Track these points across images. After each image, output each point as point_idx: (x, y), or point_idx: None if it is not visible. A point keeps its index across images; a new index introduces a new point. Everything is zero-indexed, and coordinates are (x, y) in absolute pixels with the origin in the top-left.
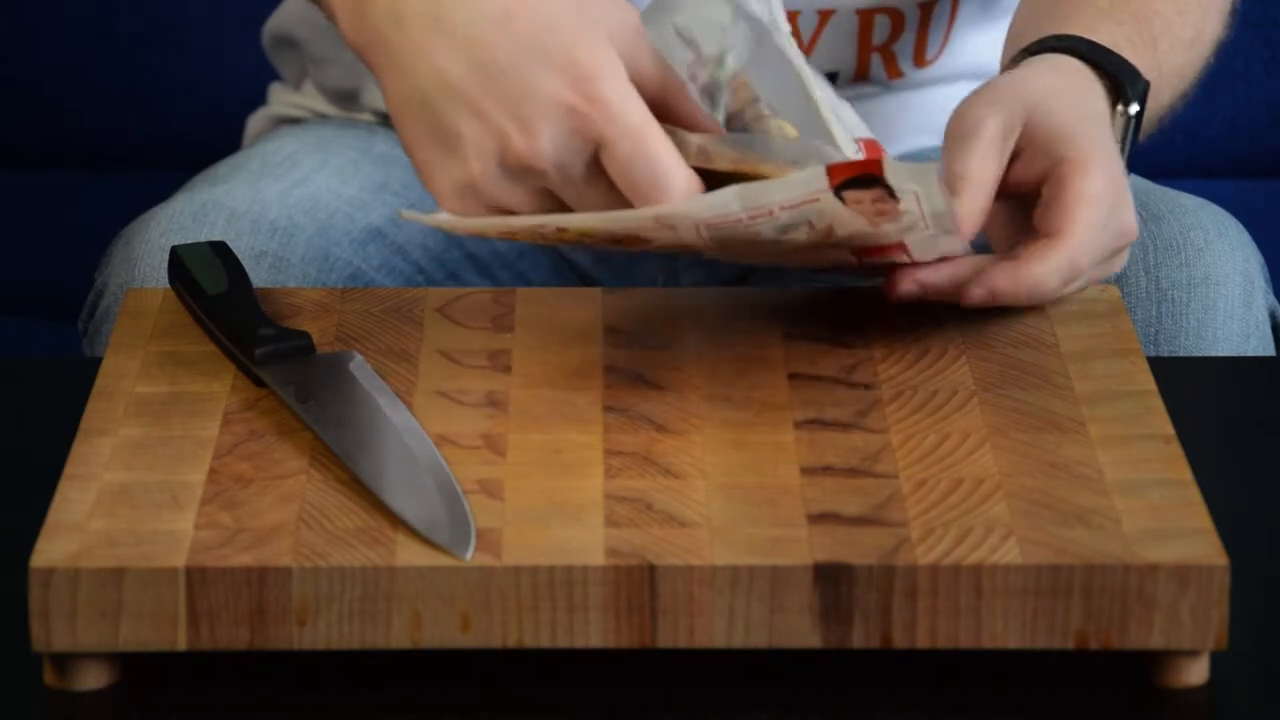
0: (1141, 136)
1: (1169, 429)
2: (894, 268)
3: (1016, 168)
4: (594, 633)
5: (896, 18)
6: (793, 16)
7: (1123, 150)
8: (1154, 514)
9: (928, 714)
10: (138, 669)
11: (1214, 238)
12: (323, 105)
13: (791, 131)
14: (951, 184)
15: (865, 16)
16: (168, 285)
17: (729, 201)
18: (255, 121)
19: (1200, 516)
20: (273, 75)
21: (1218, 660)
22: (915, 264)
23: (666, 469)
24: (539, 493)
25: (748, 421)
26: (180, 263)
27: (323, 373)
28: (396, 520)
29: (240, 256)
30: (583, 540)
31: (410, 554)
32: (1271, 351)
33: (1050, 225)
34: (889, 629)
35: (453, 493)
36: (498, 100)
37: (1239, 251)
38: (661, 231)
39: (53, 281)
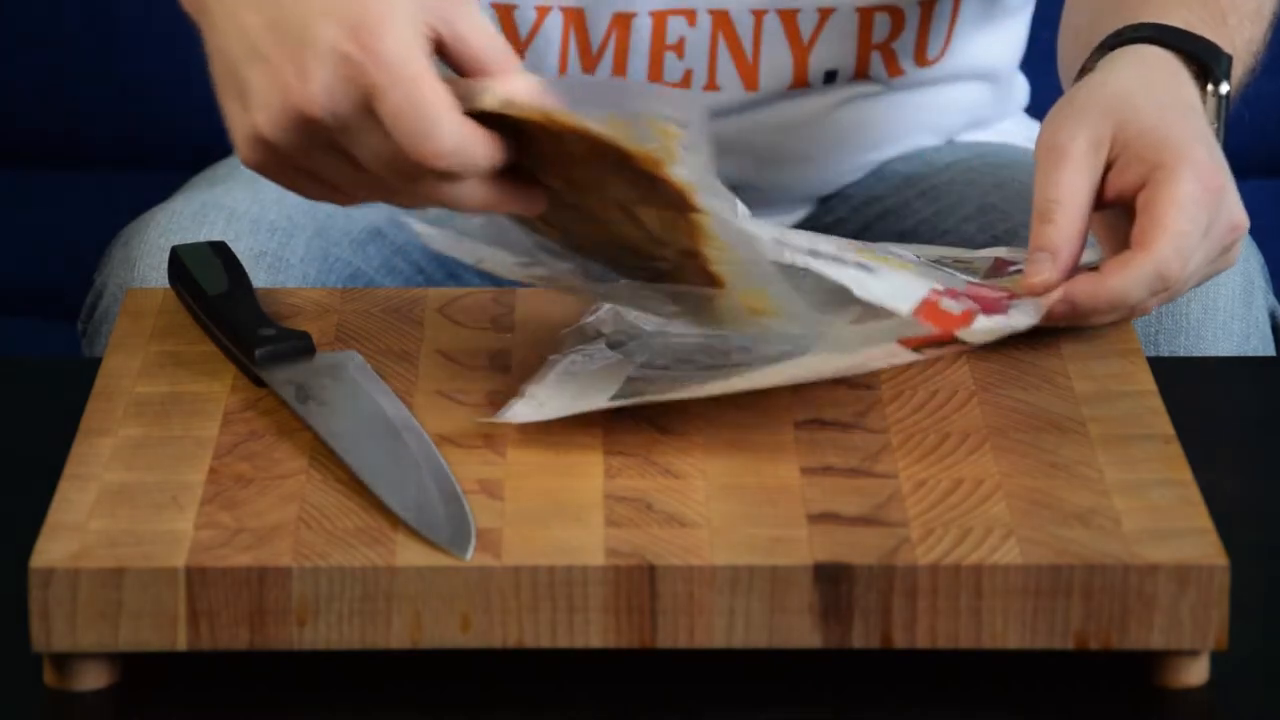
0: None
1: (1169, 429)
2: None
3: (1113, 178)
4: (594, 633)
5: (897, 16)
6: (793, 14)
7: (1219, 133)
8: (1154, 514)
9: (928, 714)
10: (138, 669)
11: None
12: None
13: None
14: (1043, 209)
15: (865, 14)
16: (168, 285)
17: (804, 373)
18: None
19: (1200, 516)
20: None
21: (1218, 660)
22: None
23: (666, 469)
24: (539, 493)
25: (748, 422)
26: (180, 263)
27: (323, 373)
28: (396, 520)
29: (240, 256)
30: (583, 540)
31: (410, 554)
32: (1271, 351)
33: (1138, 236)
34: (889, 629)
35: (453, 493)
36: (283, 50)
37: (1239, 251)
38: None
39: (53, 281)
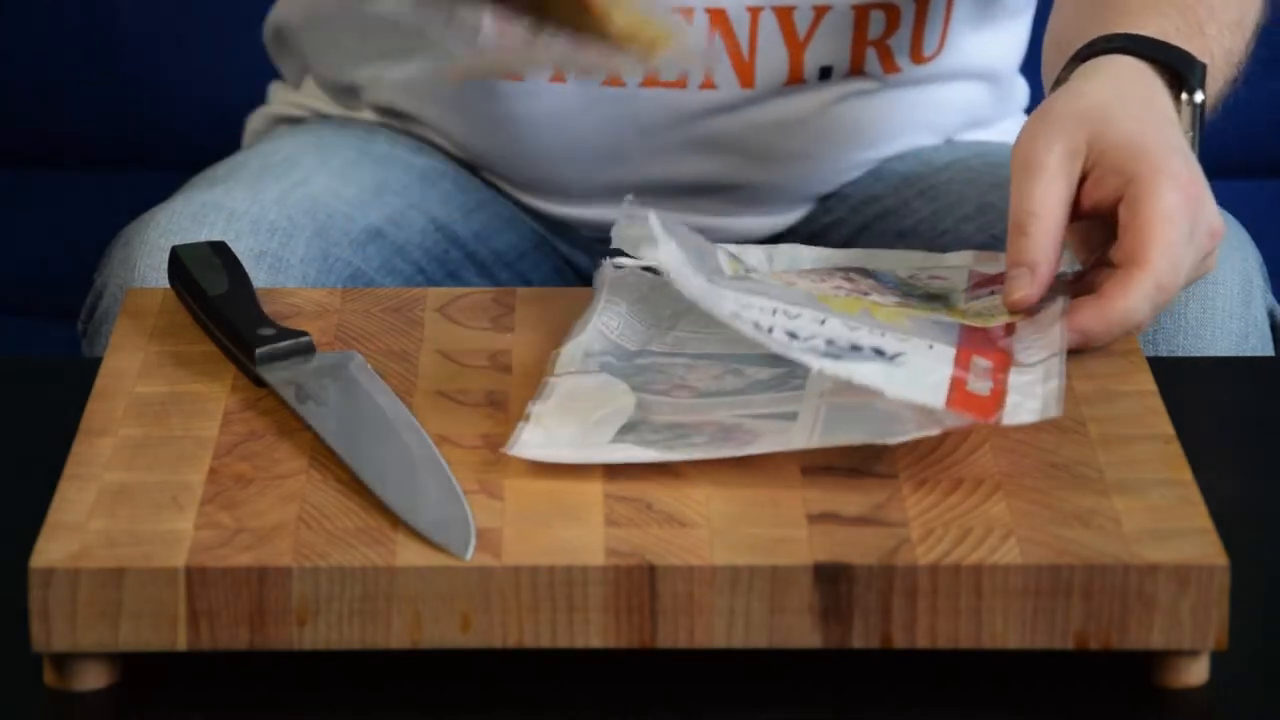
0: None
1: (1169, 429)
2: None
3: (1089, 189)
4: (594, 633)
5: (892, 12)
6: (789, 11)
7: (1194, 143)
8: (1154, 514)
9: (928, 714)
10: (138, 669)
11: None
12: (323, 103)
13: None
14: (1019, 221)
15: (861, 11)
16: (168, 285)
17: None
18: (255, 121)
19: (1200, 516)
20: (273, 75)
21: (1218, 660)
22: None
23: (666, 469)
24: (539, 493)
25: None
26: (180, 263)
27: (323, 373)
28: (396, 520)
29: (240, 257)
30: (583, 540)
31: (410, 554)
32: (1270, 351)
33: (1130, 253)
34: (889, 629)
35: (453, 493)
36: None
37: (1238, 251)
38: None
39: (53, 281)
